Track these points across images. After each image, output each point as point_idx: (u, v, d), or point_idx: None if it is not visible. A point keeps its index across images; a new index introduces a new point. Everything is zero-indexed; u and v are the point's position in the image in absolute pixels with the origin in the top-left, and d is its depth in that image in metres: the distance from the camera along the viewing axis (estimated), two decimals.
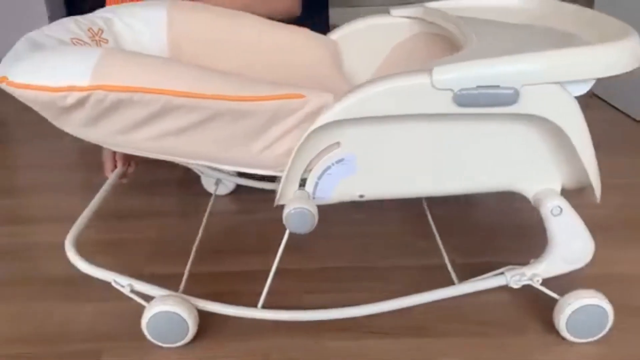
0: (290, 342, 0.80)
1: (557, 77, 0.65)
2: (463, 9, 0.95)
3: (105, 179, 0.97)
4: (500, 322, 0.82)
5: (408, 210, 1.11)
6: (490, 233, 1.05)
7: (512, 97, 0.65)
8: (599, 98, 1.62)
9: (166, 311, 0.76)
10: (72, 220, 0.83)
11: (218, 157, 0.74)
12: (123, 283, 0.78)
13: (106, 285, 0.78)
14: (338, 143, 0.73)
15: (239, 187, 1.21)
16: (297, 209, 0.71)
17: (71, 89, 0.65)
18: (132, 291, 0.78)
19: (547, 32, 0.83)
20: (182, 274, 0.84)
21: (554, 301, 0.77)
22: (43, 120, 0.72)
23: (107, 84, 0.65)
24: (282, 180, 0.74)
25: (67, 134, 0.73)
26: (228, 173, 1.18)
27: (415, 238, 1.03)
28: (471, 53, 0.68)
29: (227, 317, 0.81)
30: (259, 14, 1.01)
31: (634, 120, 1.51)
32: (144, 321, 0.76)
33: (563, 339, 0.77)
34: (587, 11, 0.84)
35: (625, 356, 0.76)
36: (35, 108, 0.70)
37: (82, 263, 0.79)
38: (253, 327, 0.82)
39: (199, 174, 1.19)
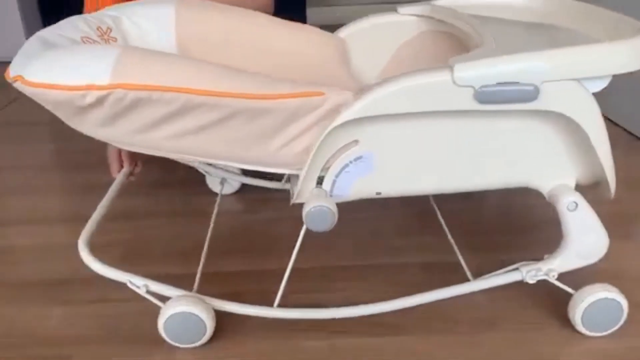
0: (303, 342, 0.80)
1: (575, 74, 0.66)
2: (468, 7, 0.96)
3: (112, 179, 0.96)
4: (508, 318, 0.83)
5: (413, 207, 1.11)
6: (494, 229, 1.06)
7: (532, 94, 0.66)
8: None
9: (185, 312, 0.75)
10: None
11: (236, 156, 0.74)
12: (139, 284, 0.77)
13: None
14: (356, 141, 0.73)
15: (244, 186, 1.21)
16: (317, 207, 0.71)
17: (90, 87, 0.65)
18: (148, 292, 0.78)
19: (559, 30, 0.84)
20: (192, 274, 0.84)
21: (568, 296, 0.78)
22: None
23: (127, 82, 0.64)
24: (301, 178, 0.73)
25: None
26: (233, 172, 1.17)
27: (422, 234, 1.04)
28: (490, 50, 0.69)
29: (238, 316, 0.80)
30: None
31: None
32: (161, 322, 0.76)
33: (578, 333, 0.78)
34: (591, 7, 0.85)
35: (638, 347, 0.77)
36: (49, 107, 0.69)
37: (96, 264, 0.78)
38: (266, 327, 0.82)
39: (204, 173, 1.18)
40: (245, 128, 0.70)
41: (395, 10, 1.02)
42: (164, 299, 0.78)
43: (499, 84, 0.65)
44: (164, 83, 0.65)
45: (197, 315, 0.75)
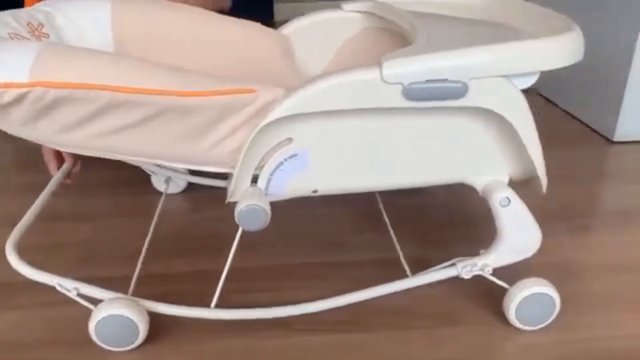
0: (243, 342, 0.79)
1: (503, 70, 0.67)
2: (413, 3, 0.96)
3: (47, 178, 0.93)
4: (447, 314, 0.84)
5: (360, 203, 1.11)
6: (443, 224, 1.07)
7: (461, 91, 0.66)
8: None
9: (115, 314, 0.73)
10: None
11: (167, 155, 0.72)
12: (69, 287, 0.75)
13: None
14: (290, 138, 0.72)
15: (190, 185, 1.19)
16: (249, 206, 0.70)
17: (8, 85, 0.62)
18: (79, 294, 0.76)
19: (494, 27, 0.85)
20: (132, 276, 0.82)
21: (503, 291, 0.79)
22: None
23: (46, 80, 0.62)
24: (234, 177, 0.72)
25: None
26: (179, 171, 1.16)
27: (371, 231, 1.04)
28: (420, 47, 0.69)
29: (179, 318, 0.79)
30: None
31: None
32: (92, 325, 0.74)
33: (513, 327, 0.79)
34: (534, 6, 0.86)
35: (573, 341, 0.79)
36: None
37: (24, 267, 0.75)
38: (206, 328, 0.81)
39: (149, 173, 1.16)
40: (174, 126, 0.69)
41: (339, 7, 1.01)
42: (97, 302, 0.76)
43: (428, 81, 0.65)
44: (86, 80, 0.63)
45: (128, 318, 0.74)
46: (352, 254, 0.99)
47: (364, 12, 1.00)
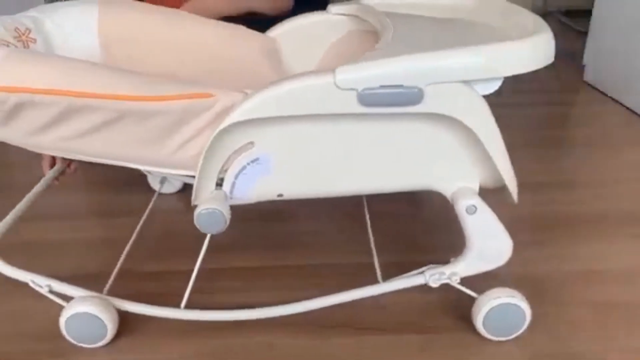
0: (218, 342, 0.80)
1: (461, 76, 0.65)
2: (400, 5, 0.95)
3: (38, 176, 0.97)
4: (417, 321, 0.83)
5: (345, 206, 1.10)
6: (430, 230, 1.05)
7: (416, 97, 0.65)
8: None
9: (83, 312, 0.75)
10: None
11: (132, 158, 0.74)
12: (41, 284, 0.78)
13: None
14: (252, 142, 0.72)
15: (186, 186, 1.21)
16: (207, 209, 0.71)
17: None
18: (51, 292, 0.78)
19: (473, 28, 0.83)
20: (117, 274, 0.84)
21: (472, 300, 0.78)
22: None
23: (7, 86, 0.65)
24: (195, 180, 0.73)
25: None
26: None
27: (352, 235, 1.03)
28: (379, 52, 0.68)
29: (156, 317, 0.81)
30: (249, 9, 1.04)
31: None
32: (62, 321, 0.76)
33: (481, 337, 0.78)
34: (511, 6, 0.83)
35: (542, 354, 0.76)
36: None
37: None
38: (178, 328, 0.82)
39: (145, 172, 1.18)
40: (135, 130, 0.70)
41: (326, 10, 1.01)
42: (70, 299, 0.78)
43: (382, 86, 0.65)
44: (45, 86, 0.65)
45: (96, 316, 0.76)
46: (327, 257, 0.98)
47: (350, 15, 0.99)
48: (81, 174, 1.12)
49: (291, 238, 1.05)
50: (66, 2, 0.95)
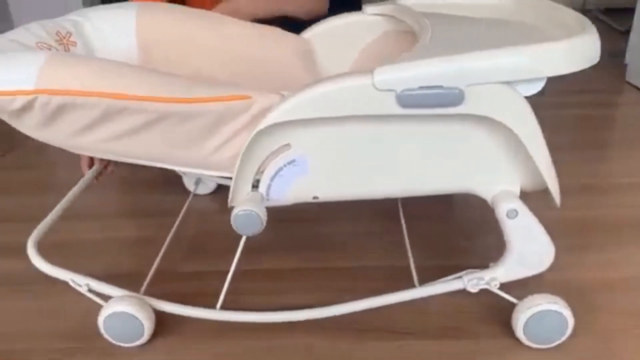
0: (253, 343, 0.80)
1: (502, 77, 0.63)
2: (437, 5, 0.93)
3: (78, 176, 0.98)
4: (456, 326, 0.81)
5: (380, 208, 1.09)
6: (466, 232, 1.03)
7: (457, 98, 0.64)
8: None
9: (121, 312, 0.76)
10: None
11: (170, 159, 0.75)
12: (81, 282, 0.79)
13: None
14: (289, 144, 0.72)
15: (220, 187, 1.21)
16: (244, 211, 0.71)
17: (18, 93, 0.66)
18: (90, 290, 0.79)
19: (514, 28, 0.81)
20: (154, 274, 0.85)
21: (513, 306, 0.76)
22: None
23: (50, 88, 0.66)
24: (232, 182, 0.73)
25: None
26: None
27: (387, 237, 1.02)
28: (418, 52, 0.67)
29: (190, 318, 0.81)
30: (283, 13, 1.05)
31: None
32: (100, 320, 0.77)
33: (522, 344, 0.75)
34: (555, 5, 0.81)
35: None
36: None
37: (39, 262, 0.80)
38: (213, 328, 0.82)
39: (180, 173, 1.19)
40: (175, 131, 0.70)
41: (362, 10, 1.00)
42: (108, 298, 0.79)
43: (422, 87, 0.63)
44: (86, 88, 0.66)
45: (134, 316, 0.76)
46: (363, 259, 0.97)
47: (385, 15, 0.98)
48: (117, 175, 1.14)
49: (325, 240, 1.04)
50: (105, 6, 0.96)
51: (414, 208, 1.00)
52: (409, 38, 0.95)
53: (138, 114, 0.68)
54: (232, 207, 0.74)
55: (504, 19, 0.83)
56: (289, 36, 1.00)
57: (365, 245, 1.02)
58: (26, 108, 0.68)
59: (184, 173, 1.19)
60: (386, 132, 0.70)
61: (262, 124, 0.68)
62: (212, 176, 1.19)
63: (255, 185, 0.75)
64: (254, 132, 0.68)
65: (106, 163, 1.05)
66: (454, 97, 0.64)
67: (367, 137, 0.70)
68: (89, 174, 1.00)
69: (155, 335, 0.80)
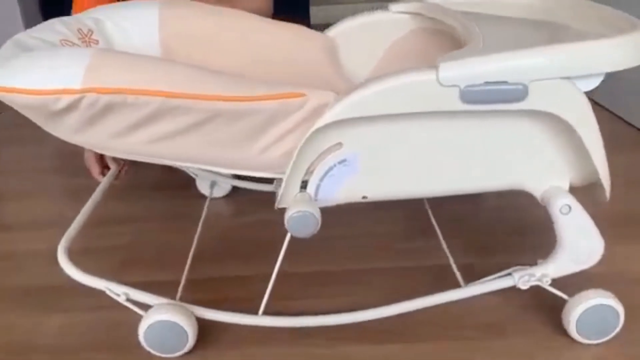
0: (289, 349, 0.78)
1: (566, 72, 0.63)
2: (463, 3, 0.93)
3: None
4: (498, 323, 0.80)
5: (407, 208, 1.08)
6: (494, 229, 1.03)
7: (521, 93, 0.63)
8: None
9: (165, 320, 0.73)
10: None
11: (216, 160, 0.72)
12: (118, 291, 0.75)
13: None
14: (340, 143, 0.70)
15: (234, 189, 1.18)
16: (299, 212, 0.69)
17: (63, 92, 0.63)
18: (128, 299, 0.76)
19: (551, 27, 0.81)
20: (179, 281, 0.82)
21: (563, 302, 0.76)
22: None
23: (99, 87, 0.62)
24: (283, 182, 0.71)
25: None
26: (223, 175, 1.15)
27: (418, 237, 1.01)
28: (477, 48, 0.66)
29: (226, 324, 0.78)
30: None
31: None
32: (141, 331, 0.74)
33: (573, 340, 0.76)
34: (587, 3, 0.82)
35: (637, 356, 0.74)
36: (25, 113, 0.67)
37: (74, 271, 0.76)
38: (252, 335, 0.79)
39: (193, 176, 1.16)
40: (225, 131, 0.68)
41: (387, 8, 0.99)
42: (145, 307, 0.76)
43: (487, 83, 0.63)
44: (137, 86, 0.63)
45: (177, 324, 0.73)
46: (400, 260, 0.96)
47: (412, 13, 0.97)
48: (128, 179, 1.10)
49: (358, 242, 1.02)
50: (126, 3, 0.93)
51: (437, 206, 1.00)
52: (437, 36, 0.95)
53: (190, 113, 0.65)
54: (279, 209, 0.72)
55: (544, 19, 0.84)
56: (315, 34, 0.98)
57: (397, 245, 1.01)
58: (70, 108, 0.64)
59: (196, 175, 1.15)
60: (442, 129, 0.69)
61: (320, 123, 0.66)
62: (227, 177, 1.16)
63: (303, 186, 0.73)
64: (311, 130, 0.66)
65: (123, 164, 1.02)
66: (518, 93, 0.63)
67: (422, 134, 0.69)
68: (107, 177, 0.96)
69: None
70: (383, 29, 0.99)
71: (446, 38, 0.91)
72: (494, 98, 0.64)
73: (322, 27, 1.03)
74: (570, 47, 0.63)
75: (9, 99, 0.64)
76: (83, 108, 0.64)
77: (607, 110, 1.53)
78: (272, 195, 1.14)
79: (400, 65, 0.99)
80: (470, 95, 0.63)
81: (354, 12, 1.01)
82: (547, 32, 0.78)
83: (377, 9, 1.00)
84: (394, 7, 0.98)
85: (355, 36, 1.00)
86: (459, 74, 0.63)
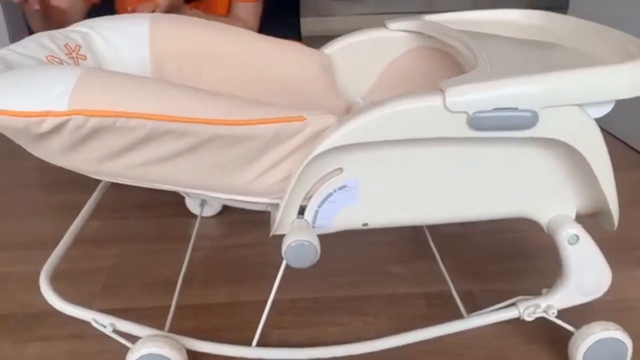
0: None
1: (578, 99, 0.61)
2: (462, 22, 0.91)
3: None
4: (502, 356, 0.78)
5: (407, 230, 1.06)
6: (490, 254, 1.01)
7: (531, 120, 0.61)
8: None
9: (154, 354, 0.69)
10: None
11: (209, 185, 0.68)
12: (104, 322, 0.71)
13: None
14: (340, 169, 0.67)
15: (225, 208, 1.15)
16: (297, 241, 0.65)
17: (47, 114, 0.58)
18: (115, 330, 0.72)
19: (554, 49, 0.79)
20: (165, 307, 0.78)
21: (569, 333, 0.73)
22: None
23: (86, 109, 0.59)
24: (281, 208, 0.68)
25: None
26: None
27: (417, 261, 0.98)
28: (485, 72, 0.63)
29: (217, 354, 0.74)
30: None
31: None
32: None
33: None
34: (593, 25, 0.80)
35: None
36: (7, 134, 0.63)
37: (57, 300, 0.71)
38: None
39: (183, 194, 1.12)
40: (220, 156, 0.64)
41: (384, 26, 0.97)
42: (133, 337, 0.72)
43: (496, 109, 0.60)
44: (128, 109, 0.59)
45: (167, 358, 0.69)
46: (396, 285, 0.93)
47: (410, 32, 0.95)
48: (110, 199, 1.05)
49: (352, 265, 0.99)
50: (115, 16, 0.89)
51: (431, 228, 0.97)
52: (436, 55, 0.93)
53: (184, 137, 0.62)
54: (279, 235, 0.68)
55: (547, 41, 0.81)
56: (310, 51, 0.95)
57: (393, 270, 0.97)
58: (55, 131, 0.60)
59: (187, 194, 1.11)
60: (446, 155, 0.66)
61: (321, 148, 0.63)
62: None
63: (300, 212, 0.70)
64: (311, 156, 0.63)
65: None
66: (529, 120, 0.61)
67: (425, 161, 0.67)
68: (95, 194, 0.92)
69: None
70: (381, 47, 0.96)
71: (445, 57, 0.89)
72: (503, 125, 0.61)
73: (313, 39, 1.00)
74: (582, 73, 0.61)
75: None
76: (69, 131, 0.60)
77: (605, 131, 1.52)
78: (263, 215, 1.11)
79: (398, 85, 0.98)
80: (478, 122, 0.60)
81: (346, 24, 0.98)
82: (553, 55, 0.76)
83: (368, 20, 0.98)
84: (391, 25, 0.96)
85: (352, 54, 0.97)
86: (467, 99, 0.60)
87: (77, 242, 0.80)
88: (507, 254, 1.01)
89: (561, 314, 0.73)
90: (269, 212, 1.11)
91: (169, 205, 1.16)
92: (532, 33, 0.86)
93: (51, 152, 0.64)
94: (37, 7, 0.94)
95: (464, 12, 0.93)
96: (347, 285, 0.93)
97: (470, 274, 0.95)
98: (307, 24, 2.74)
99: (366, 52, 0.97)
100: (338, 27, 2.38)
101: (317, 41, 1.02)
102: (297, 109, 0.65)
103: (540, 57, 0.74)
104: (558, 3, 2.41)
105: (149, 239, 1.08)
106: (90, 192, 0.88)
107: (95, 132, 0.61)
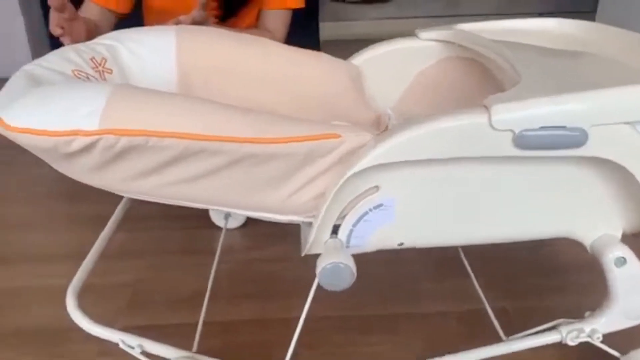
0: None
1: (629, 117, 0.58)
2: (495, 31, 0.88)
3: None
4: None
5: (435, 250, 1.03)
6: (520, 270, 0.97)
7: (580, 139, 0.58)
8: None
9: None
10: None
11: (241, 203, 0.66)
12: (132, 344, 0.69)
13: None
14: (377, 187, 0.65)
15: (249, 219, 1.13)
16: (334, 264, 0.63)
17: (76, 133, 0.57)
18: (143, 352, 0.70)
19: (595, 60, 0.76)
20: (192, 324, 0.76)
21: (611, 358, 0.70)
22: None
23: (117, 128, 0.57)
24: (314, 227, 0.65)
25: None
26: None
27: (449, 279, 0.95)
28: (530, 88, 0.61)
29: None
30: None
31: None
32: None
33: None
34: (634, 35, 0.77)
35: None
36: (35, 152, 0.61)
37: (84, 321, 0.70)
38: None
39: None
40: (252, 174, 0.62)
41: (415, 35, 0.94)
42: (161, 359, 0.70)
43: (543, 127, 0.57)
44: (160, 128, 0.57)
45: None
46: (428, 304, 0.90)
47: (442, 41, 0.92)
48: (139, 210, 1.04)
49: (383, 283, 0.96)
50: (141, 28, 0.87)
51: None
52: (467, 66, 0.90)
53: (217, 155, 0.59)
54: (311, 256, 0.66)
55: (586, 51, 0.78)
56: (339, 62, 0.93)
57: (427, 288, 0.95)
58: (85, 150, 0.58)
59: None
60: (489, 174, 0.63)
61: (359, 166, 0.60)
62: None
63: (334, 231, 0.67)
64: (348, 174, 0.61)
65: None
66: (577, 139, 0.58)
67: (465, 179, 0.64)
68: (118, 210, 0.90)
69: None
70: (410, 57, 0.94)
71: (477, 69, 0.86)
72: (551, 144, 0.58)
73: (332, 43, 0.98)
74: (634, 90, 0.58)
75: (18, 139, 0.58)
76: (99, 150, 0.58)
77: None
78: (288, 227, 1.09)
79: (429, 96, 0.95)
80: (524, 141, 0.58)
81: (365, 28, 0.96)
82: (594, 67, 0.73)
83: (389, 24, 0.95)
84: (422, 34, 0.93)
85: (382, 64, 0.94)
86: (513, 117, 0.57)
87: (101, 253, 0.78)
88: (541, 269, 0.98)
89: (605, 337, 0.70)
90: (294, 225, 1.09)
91: (193, 217, 1.14)
92: (567, 42, 0.83)
93: (80, 171, 0.62)
94: (68, 42, 0.93)
95: (497, 21, 0.90)
96: (376, 303, 0.91)
97: (503, 290, 0.92)
98: (326, 29, 2.71)
99: (396, 62, 0.94)
100: (358, 32, 2.35)
101: (336, 45, 1.00)
102: (330, 124, 0.62)
103: (581, 69, 0.71)
104: (585, 6, 2.36)
105: (173, 252, 1.06)
106: (111, 202, 0.85)
107: (126, 152, 0.59)
